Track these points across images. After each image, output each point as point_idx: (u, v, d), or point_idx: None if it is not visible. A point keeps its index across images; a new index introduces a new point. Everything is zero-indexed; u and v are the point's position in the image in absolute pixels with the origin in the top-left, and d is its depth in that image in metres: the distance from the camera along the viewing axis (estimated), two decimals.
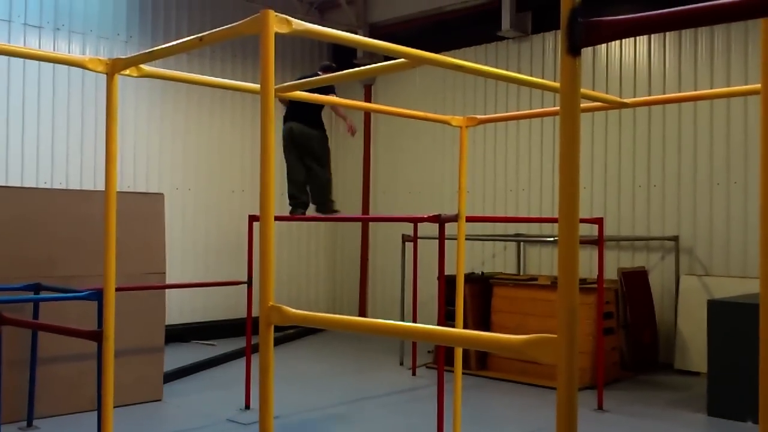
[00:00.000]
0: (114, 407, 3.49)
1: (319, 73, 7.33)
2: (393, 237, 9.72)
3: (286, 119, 7.28)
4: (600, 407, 6.34)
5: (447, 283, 5.29)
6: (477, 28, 9.90)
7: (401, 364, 8.18)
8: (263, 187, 2.43)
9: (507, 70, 4.60)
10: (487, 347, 1.89)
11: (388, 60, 3.32)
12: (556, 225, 1.83)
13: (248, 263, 6.35)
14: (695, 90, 7.87)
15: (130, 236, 6.08)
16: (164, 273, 6.59)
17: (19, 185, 8.03)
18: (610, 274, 7.94)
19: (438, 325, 5.22)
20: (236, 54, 10.21)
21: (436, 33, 10.31)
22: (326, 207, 7.37)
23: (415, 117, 4.94)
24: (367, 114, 11.08)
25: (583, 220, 6.25)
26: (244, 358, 6.57)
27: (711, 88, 7.75)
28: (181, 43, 2.99)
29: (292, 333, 9.80)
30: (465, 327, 6.42)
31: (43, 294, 5.52)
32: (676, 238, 8.18)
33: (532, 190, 9.39)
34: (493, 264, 9.67)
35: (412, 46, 3.13)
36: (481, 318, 7.85)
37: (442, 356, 5.08)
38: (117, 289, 3.51)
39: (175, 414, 6.20)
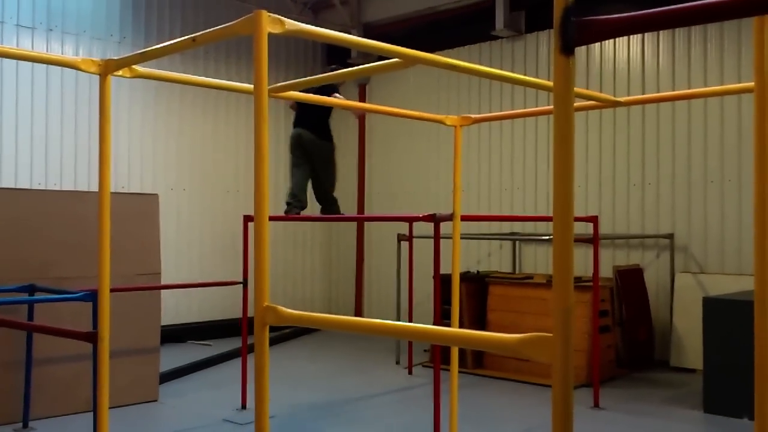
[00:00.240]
0: (109, 408, 3.49)
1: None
2: (388, 236, 9.72)
3: (295, 125, 7.29)
4: (596, 405, 6.35)
5: (442, 282, 5.29)
6: (471, 27, 9.90)
7: (397, 363, 8.18)
8: (257, 187, 2.43)
9: (501, 69, 4.60)
10: (483, 346, 1.89)
11: (382, 60, 3.32)
12: (551, 223, 1.83)
13: (243, 263, 6.34)
14: (689, 88, 7.88)
15: (125, 237, 6.07)
16: (159, 273, 6.58)
17: (12, 186, 8.01)
18: (606, 272, 7.95)
19: (434, 324, 5.24)
20: (230, 54, 10.20)
21: (430, 33, 10.31)
22: (331, 209, 7.39)
23: (409, 116, 4.94)
24: (362, 114, 11.07)
25: (578, 219, 6.27)
26: (240, 358, 6.56)
27: (704, 86, 7.78)
28: (174, 43, 2.99)
29: (288, 333, 9.80)
30: (461, 326, 6.43)
31: (38, 295, 5.51)
32: (671, 236, 8.20)
33: (527, 188, 9.40)
34: (489, 263, 9.68)
35: (406, 46, 3.13)
36: (476, 317, 7.86)
37: (439, 355, 5.09)
38: (112, 290, 3.51)
39: (171, 414, 6.19)
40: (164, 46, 3.06)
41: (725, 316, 6.09)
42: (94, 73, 3.35)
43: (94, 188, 6.14)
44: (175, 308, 9.41)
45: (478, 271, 8.50)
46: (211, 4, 9.97)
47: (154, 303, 6.52)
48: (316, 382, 7.45)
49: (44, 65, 8.26)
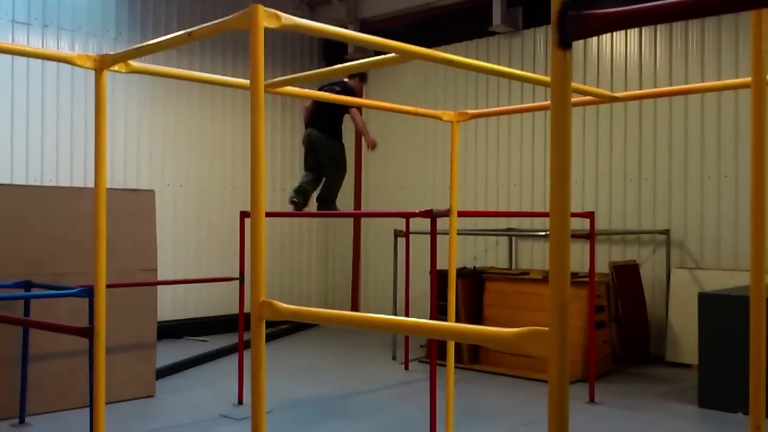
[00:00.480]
0: (106, 404, 3.48)
1: (346, 79, 7.30)
2: (385, 232, 9.72)
3: (307, 125, 7.24)
4: (592, 400, 6.37)
5: (439, 278, 5.29)
6: (468, 23, 9.90)
7: (394, 358, 8.19)
8: (254, 183, 2.43)
9: (498, 65, 4.59)
10: (479, 341, 1.89)
11: (378, 55, 3.31)
12: (547, 219, 1.84)
13: (240, 259, 6.34)
14: (686, 84, 7.88)
15: (121, 233, 6.07)
16: (156, 269, 6.57)
17: (8, 182, 7.99)
18: (602, 267, 7.96)
19: (430, 319, 5.24)
20: (226, 50, 10.17)
21: (427, 28, 10.30)
22: (328, 205, 7.35)
23: (406, 112, 4.93)
24: (358, 109, 11.05)
25: (574, 215, 6.26)
26: (237, 353, 6.57)
27: (701, 82, 7.78)
28: (170, 38, 2.98)
29: (285, 328, 9.80)
30: (457, 321, 6.43)
31: (34, 291, 5.50)
32: (667, 232, 8.21)
33: (524, 184, 9.41)
34: (485, 258, 9.68)
35: (403, 42, 3.12)
36: (473, 312, 7.87)
37: (435, 350, 5.08)
38: (108, 286, 3.50)
39: (168, 410, 6.19)
40: (160, 41, 3.05)
41: (721, 312, 6.10)
42: (89, 69, 3.34)
43: (90, 184, 6.13)
44: (172, 304, 9.41)
45: (474, 267, 8.51)
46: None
47: (151, 299, 6.51)
48: (313, 377, 7.46)
49: (40, 61, 8.23)
